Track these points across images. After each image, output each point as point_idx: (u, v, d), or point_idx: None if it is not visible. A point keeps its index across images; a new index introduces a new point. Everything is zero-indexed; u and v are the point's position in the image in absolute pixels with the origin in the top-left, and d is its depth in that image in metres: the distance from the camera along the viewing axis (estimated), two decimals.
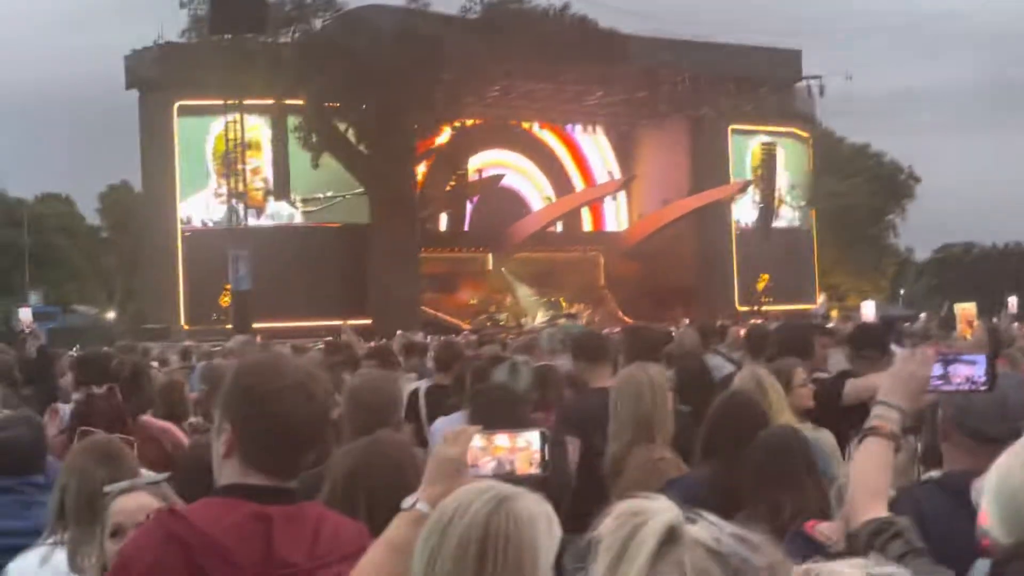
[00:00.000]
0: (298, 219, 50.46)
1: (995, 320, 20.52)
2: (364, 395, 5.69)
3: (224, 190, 45.77)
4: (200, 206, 48.94)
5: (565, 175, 62.63)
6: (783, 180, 62.31)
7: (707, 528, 1.93)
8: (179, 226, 48.55)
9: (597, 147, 63.12)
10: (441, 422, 7.29)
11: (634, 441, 6.11)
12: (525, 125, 58.72)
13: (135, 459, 4.82)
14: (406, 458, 4.06)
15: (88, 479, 4.44)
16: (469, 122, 54.48)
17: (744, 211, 61.12)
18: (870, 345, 7.83)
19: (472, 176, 56.94)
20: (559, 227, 61.16)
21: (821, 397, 6.76)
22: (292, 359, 3.40)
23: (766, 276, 59.14)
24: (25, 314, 10.69)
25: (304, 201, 50.35)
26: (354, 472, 4.01)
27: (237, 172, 43.85)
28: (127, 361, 8.99)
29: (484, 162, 58.79)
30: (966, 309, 11.33)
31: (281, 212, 50.11)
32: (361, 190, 49.20)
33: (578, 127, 60.45)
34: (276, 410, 3.19)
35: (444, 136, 53.21)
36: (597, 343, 8.03)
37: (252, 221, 45.59)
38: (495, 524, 2.50)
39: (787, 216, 63.59)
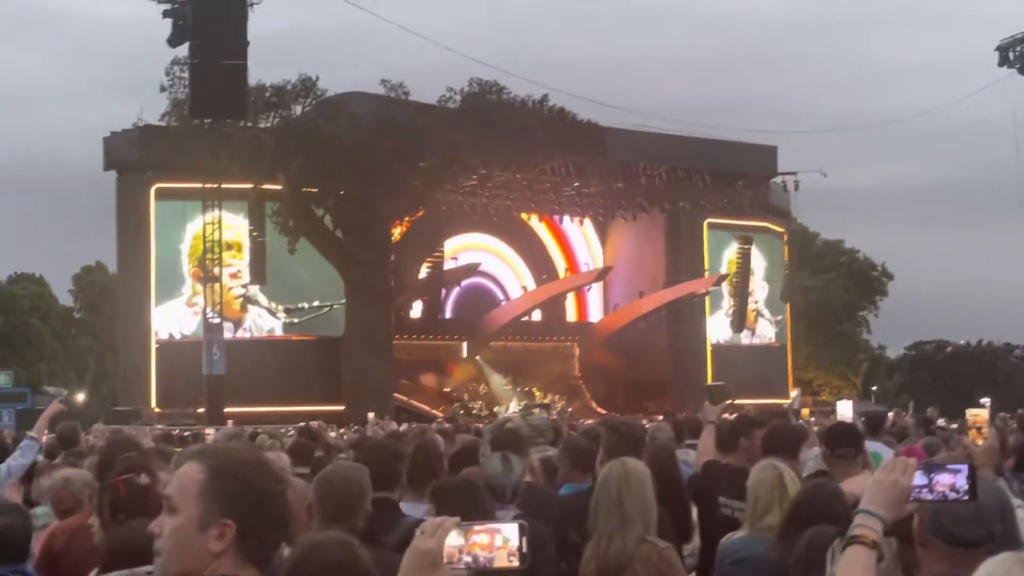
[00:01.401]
0: (278, 331, 50.50)
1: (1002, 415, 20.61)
2: (334, 483, 5.68)
3: (199, 300, 45.42)
4: (172, 317, 48.89)
5: (549, 261, 62.92)
6: (759, 276, 62.66)
7: None
8: (152, 310, 48.40)
9: (583, 235, 63.60)
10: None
11: (634, 537, 6.08)
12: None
13: None
14: (347, 561, 3.98)
15: None
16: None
17: (718, 326, 61.39)
18: (845, 444, 7.79)
19: (448, 262, 56.87)
20: (538, 315, 61.31)
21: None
22: (263, 452, 3.45)
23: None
24: None
25: (288, 311, 50.41)
26: (295, 571, 3.93)
27: (214, 277, 43.64)
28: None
29: (463, 244, 58.82)
30: (976, 415, 11.30)
31: (259, 323, 50.19)
32: (344, 301, 49.37)
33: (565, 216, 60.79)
34: (273, 505, 3.27)
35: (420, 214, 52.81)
36: (514, 438, 8.11)
37: (228, 335, 45.36)
38: None
39: (762, 331, 63.94)
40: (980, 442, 9.38)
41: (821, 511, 5.35)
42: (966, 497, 3.57)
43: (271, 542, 3.30)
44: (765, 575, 5.67)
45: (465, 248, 59.06)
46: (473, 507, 5.66)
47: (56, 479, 7.61)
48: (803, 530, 5.18)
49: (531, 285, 61.68)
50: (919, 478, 3.63)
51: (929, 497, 3.63)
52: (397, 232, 51.46)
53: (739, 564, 6.26)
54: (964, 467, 3.63)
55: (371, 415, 26.43)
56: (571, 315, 63.89)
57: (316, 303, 50.50)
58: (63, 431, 12.49)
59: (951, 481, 3.60)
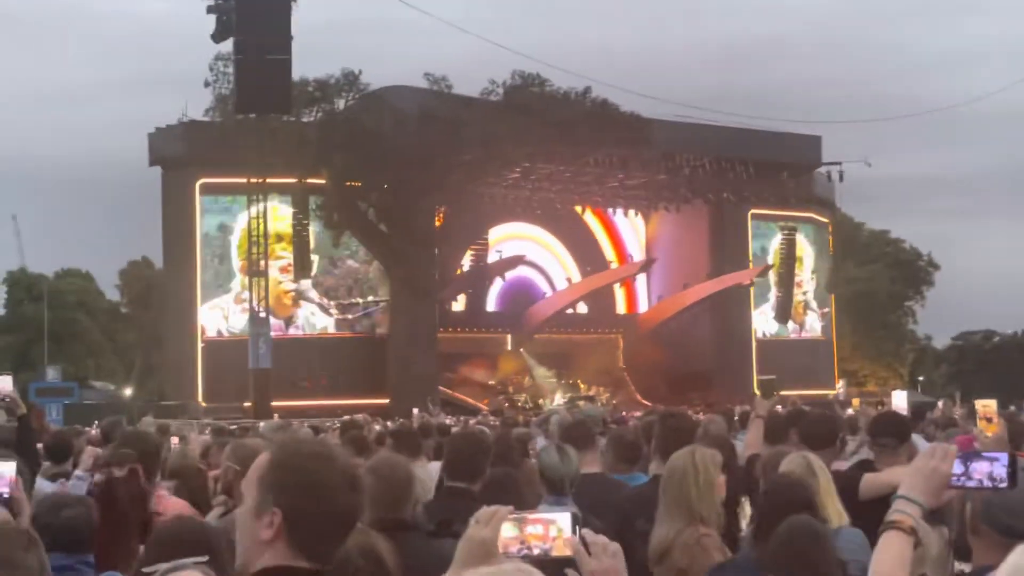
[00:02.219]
0: (331, 329, 50.82)
1: (1012, 409, 20.41)
2: (382, 471, 5.70)
3: (247, 295, 45.54)
4: (221, 314, 49.30)
5: (598, 252, 62.90)
6: (807, 268, 62.46)
7: None
8: (198, 304, 48.72)
9: (632, 227, 63.59)
10: None
11: (683, 524, 6.12)
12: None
13: None
14: (373, 566, 4.00)
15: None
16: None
17: (763, 318, 61.22)
18: (886, 434, 7.78)
19: (492, 254, 56.70)
20: (583, 307, 61.33)
21: (839, 490, 6.67)
22: (337, 446, 3.42)
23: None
24: (4, 382, 10.48)
25: (340, 307, 50.67)
26: None
27: (260, 271, 43.83)
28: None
29: (507, 234, 58.72)
30: (986, 406, 11.26)
31: (312, 320, 50.53)
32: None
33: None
34: (330, 497, 3.23)
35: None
36: (583, 431, 8.19)
37: (278, 332, 45.74)
38: None
39: (810, 323, 63.76)
40: (990, 433, 9.32)
41: (786, 503, 5.34)
42: (1004, 484, 3.57)
43: (326, 535, 3.26)
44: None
45: (509, 238, 58.93)
46: (509, 498, 5.68)
47: None
48: (773, 525, 5.19)
49: (576, 276, 61.64)
50: (958, 466, 3.63)
51: (968, 484, 3.63)
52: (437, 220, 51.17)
53: None
54: (1003, 455, 3.63)
55: (416, 411, 26.43)
56: (620, 307, 63.82)
57: (370, 298, 50.79)
58: (107, 427, 12.53)
59: (989, 469, 3.59)
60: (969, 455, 3.67)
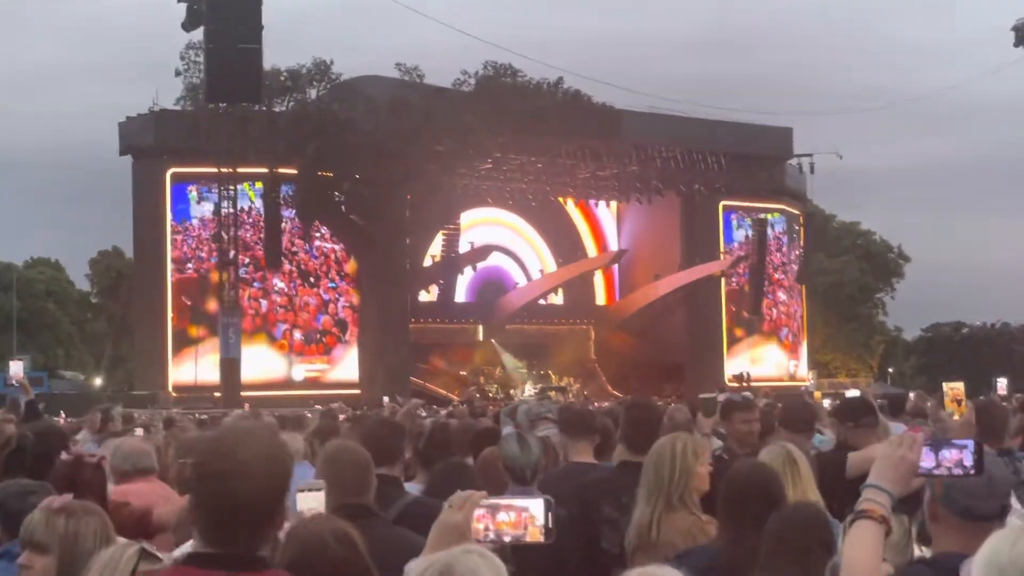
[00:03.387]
0: None
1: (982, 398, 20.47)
2: (344, 459, 5.70)
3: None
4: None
5: (578, 242, 63.02)
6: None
7: None
8: (168, 294, 48.49)
9: (613, 217, 63.77)
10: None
11: (666, 508, 6.14)
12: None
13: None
14: (348, 551, 4.00)
15: None
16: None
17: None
18: (866, 414, 7.94)
19: (463, 244, 56.47)
20: (558, 298, 61.45)
21: (822, 472, 6.72)
22: (254, 437, 3.39)
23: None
24: (15, 368, 10.68)
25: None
26: (294, 565, 3.94)
27: (230, 261, 43.79)
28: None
29: (481, 218, 58.59)
30: (954, 388, 11.36)
31: None
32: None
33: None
34: (223, 490, 3.26)
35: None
36: (583, 418, 8.15)
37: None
38: None
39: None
40: (957, 416, 9.44)
41: (760, 492, 5.38)
42: (972, 472, 3.61)
43: (222, 523, 3.27)
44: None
45: (483, 223, 58.76)
46: (459, 486, 5.68)
47: None
48: (744, 513, 5.22)
49: (552, 266, 61.70)
50: (927, 453, 3.67)
51: (936, 472, 3.67)
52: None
53: None
54: (970, 442, 3.66)
55: (386, 399, 26.43)
56: (600, 298, 63.91)
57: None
58: (104, 412, 12.55)
59: (958, 456, 3.64)
60: (938, 443, 3.72)
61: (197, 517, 3.30)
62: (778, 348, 62.45)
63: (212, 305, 46.31)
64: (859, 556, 3.60)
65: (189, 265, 48.76)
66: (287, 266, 48.45)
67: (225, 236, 43.96)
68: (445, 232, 53.13)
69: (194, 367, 45.80)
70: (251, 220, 47.64)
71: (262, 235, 47.26)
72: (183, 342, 47.72)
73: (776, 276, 62.41)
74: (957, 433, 5.18)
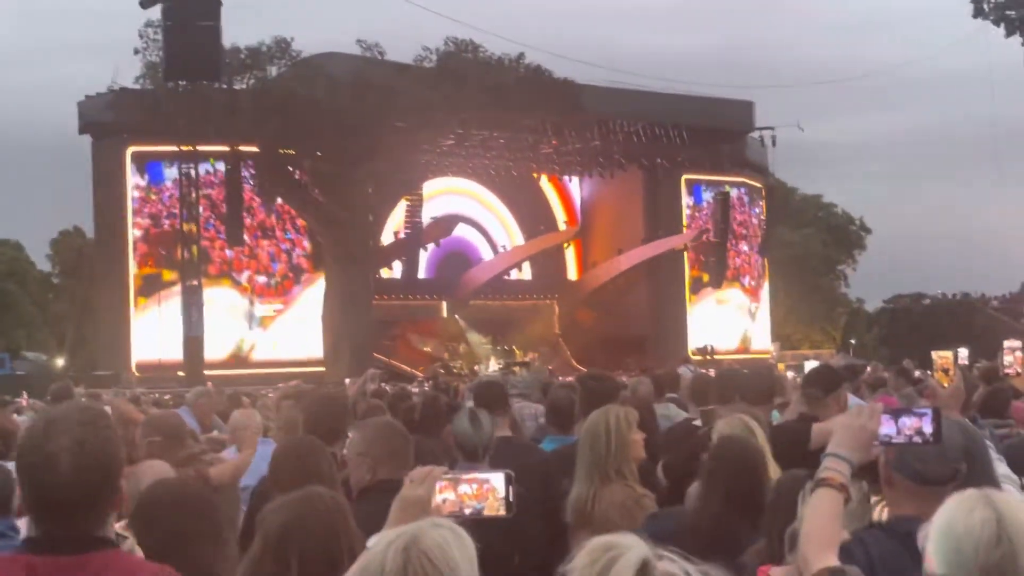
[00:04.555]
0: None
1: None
2: (291, 458, 5.77)
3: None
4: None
5: (549, 215, 63.04)
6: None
7: (675, 565, 2.04)
8: (130, 274, 48.31)
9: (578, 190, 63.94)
10: None
11: (599, 482, 6.19)
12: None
13: None
14: (339, 517, 4.05)
15: None
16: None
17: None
18: (816, 384, 7.99)
19: (426, 219, 56.01)
20: (527, 272, 61.51)
21: (782, 442, 6.76)
22: (65, 427, 3.47)
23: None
24: None
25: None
26: (286, 528, 3.98)
27: (192, 239, 43.71)
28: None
29: (445, 187, 58.41)
30: (943, 357, 11.48)
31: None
32: None
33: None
34: (34, 480, 3.41)
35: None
36: (496, 392, 8.39)
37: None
38: (411, 570, 2.55)
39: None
40: (946, 383, 9.54)
41: (737, 462, 5.46)
42: (932, 440, 3.68)
43: (34, 507, 3.47)
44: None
45: (447, 191, 58.53)
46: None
47: None
48: (732, 492, 5.30)
49: (520, 239, 61.75)
50: (886, 421, 3.74)
51: (896, 440, 3.73)
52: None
53: None
54: (929, 410, 3.73)
55: (347, 380, 26.31)
56: (572, 272, 63.99)
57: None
58: (56, 391, 12.54)
59: (917, 424, 3.71)
60: (898, 411, 3.80)
61: (24, 504, 3.52)
62: (740, 292, 62.81)
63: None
64: (819, 523, 3.67)
65: (165, 221, 48.56)
66: (248, 221, 48.40)
67: (186, 213, 43.79)
68: (408, 199, 52.53)
69: (157, 344, 45.73)
70: (217, 180, 47.60)
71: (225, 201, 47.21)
72: (153, 288, 47.96)
73: (739, 230, 62.58)
74: (945, 401, 5.26)
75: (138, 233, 48.70)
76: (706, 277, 60.55)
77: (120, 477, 3.52)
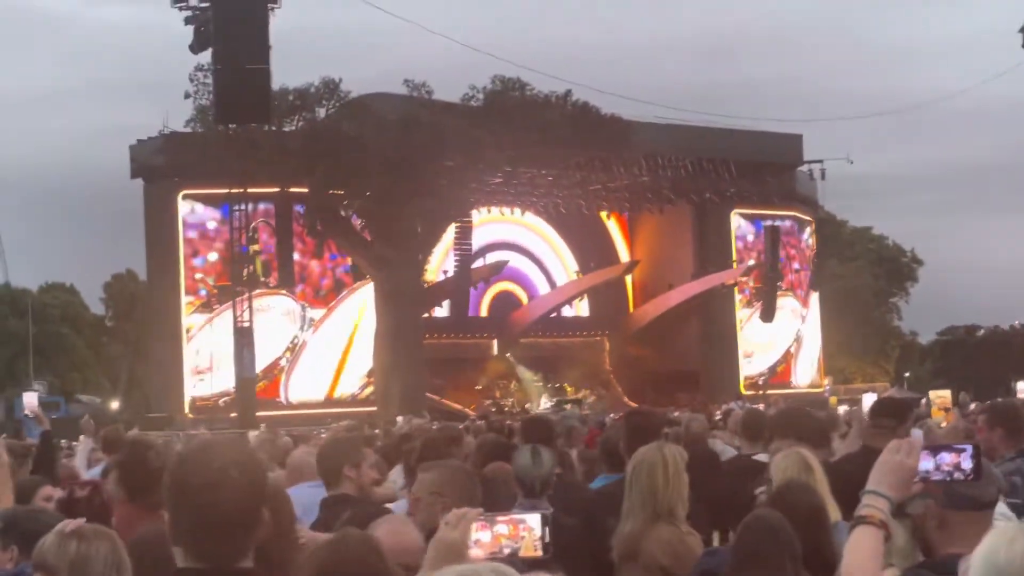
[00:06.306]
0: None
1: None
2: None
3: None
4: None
5: (611, 250, 63.15)
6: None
7: None
8: (182, 316, 48.65)
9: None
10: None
11: (650, 518, 6.15)
12: None
13: None
14: (374, 557, 4.04)
15: None
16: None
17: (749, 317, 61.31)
18: (886, 415, 7.89)
19: (477, 261, 55.91)
20: (585, 307, 61.45)
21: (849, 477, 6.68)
22: (227, 448, 3.45)
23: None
24: (29, 399, 10.79)
25: None
26: (322, 573, 3.97)
27: (244, 280, 44.03)
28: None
29: (495, 216, 58.42)
30: (941, 396, 11.42)
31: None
32: None
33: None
34: (202, 501, 3.31)
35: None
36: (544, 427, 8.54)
37: None
38: None
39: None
40: (944, 424, 9.45)
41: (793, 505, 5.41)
42: (972, 476, 3.64)
43: (197, 535, 3.34)
44: None
45: (496, 220, 58.65)
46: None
47: None
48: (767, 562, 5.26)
49: (573, 271, 61.93)
50: (924, 458, 3.69)
51: (935, 477, 3.69)
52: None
53: None
54: (969, 447, 3.69)
55: (400, 418, 26.31)
56: (631, 308, 63.92)
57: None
58: (108, 436, 12.56)
59: (956, 460, 3.67)
60: (936, 447, 3.75)
61: (177, 532, 3.35)
62: (793, 299, 62.49)
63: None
64: (858, 561, 3.65)
65: (216, 262, 49.52)
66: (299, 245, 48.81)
67: (236, 252, 44.01)
68: (458, 224, 51.68)
69: (210, 382, 46.16)
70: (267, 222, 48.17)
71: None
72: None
73: (791, 253, 62.29)
74: (943, 440, 5.24)
75: (189, 275, 49.07)
76: (756, 310, 60.16)
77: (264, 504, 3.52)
